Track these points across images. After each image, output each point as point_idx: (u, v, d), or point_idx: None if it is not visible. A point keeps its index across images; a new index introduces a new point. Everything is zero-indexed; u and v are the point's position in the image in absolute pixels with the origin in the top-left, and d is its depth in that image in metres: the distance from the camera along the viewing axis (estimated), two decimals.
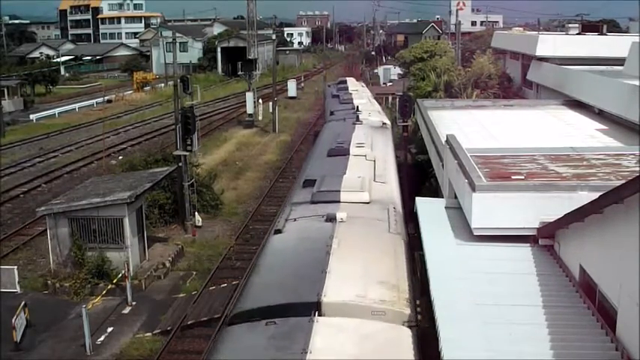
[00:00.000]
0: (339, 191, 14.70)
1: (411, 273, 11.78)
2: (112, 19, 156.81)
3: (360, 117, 26.43)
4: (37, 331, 18.50)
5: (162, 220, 27.01)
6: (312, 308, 9.57)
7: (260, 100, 54.26)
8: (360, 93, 35.98)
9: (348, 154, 19.34)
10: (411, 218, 15.76)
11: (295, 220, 13.75)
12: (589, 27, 38.77)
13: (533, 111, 27.67)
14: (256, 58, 54.79)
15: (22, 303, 18.49)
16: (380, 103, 57.63)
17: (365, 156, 19.18)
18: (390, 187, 16.89)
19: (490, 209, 12.42)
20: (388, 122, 28.22)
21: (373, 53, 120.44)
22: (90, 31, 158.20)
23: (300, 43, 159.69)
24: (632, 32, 48.89)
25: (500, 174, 14.12)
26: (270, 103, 52.59)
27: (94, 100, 67.09)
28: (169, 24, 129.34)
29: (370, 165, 18.40)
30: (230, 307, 15.78)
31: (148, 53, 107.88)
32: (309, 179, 16.46)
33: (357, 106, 28.65)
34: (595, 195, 9.43)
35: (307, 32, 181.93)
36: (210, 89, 73.65)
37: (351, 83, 42.12)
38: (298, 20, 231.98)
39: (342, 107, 30.41)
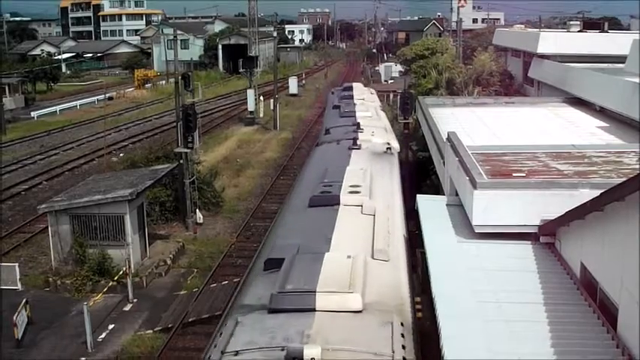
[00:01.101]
0: (314, 293, 9.07)
1: None
2: (113, 17, 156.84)
3: (360, 138, 20.64)
4: (39, 329, 18.52)
5: (163, 218, 27.03)
6: None
7: (261, 98, 54.25)
8: (365, 103, 29.79)
9: (338, 203, 13.56)
10: (411, 216, 15.73)
11: (236, 355, 7.91)
12: (590, 24, 38.75)
13: (535, 108, 27.64)
14: (257, 56, 54.77)
15: (24, 300, 18.51)
16: (381, 101, 58.02)
17: (361, 207, 13.39)
18: (396, 271, 11.06)
19: (491, 206, 12.42)
20: (395, 144, 22.01)
21: (374, 51, 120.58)
22: (91, 28, 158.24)
23: (301, 41, 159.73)
24: (633, 30, 48.81)
25: (501, 171, 14.10)
26: (272, 101, 52.55)
27: (95, 98, 67.06)
28: (170, 21, 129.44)
29: (367, 225, 12.58)
30: None
31: (149, 50, 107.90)
32: (274, 258, 10.77)
33: (359, 123, 23.03)
34: (596, 192, 9.42)
35: (308, 29, 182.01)
36: (211, 87, 73.68)
37: (357, 90, 35.20)
38: (299, 17, 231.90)
39: (342, 123, 24.63)
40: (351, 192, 14.10)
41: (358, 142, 19.75)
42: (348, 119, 24.95)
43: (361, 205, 13.43)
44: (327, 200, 13.87)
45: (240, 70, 58.46)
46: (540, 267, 11.45)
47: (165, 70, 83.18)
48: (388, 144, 20.81)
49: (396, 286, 10.41)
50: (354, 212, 13.19)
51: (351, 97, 31.87)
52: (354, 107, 27.75)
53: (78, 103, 65.76)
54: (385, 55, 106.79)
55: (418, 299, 12.00)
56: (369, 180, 15.26)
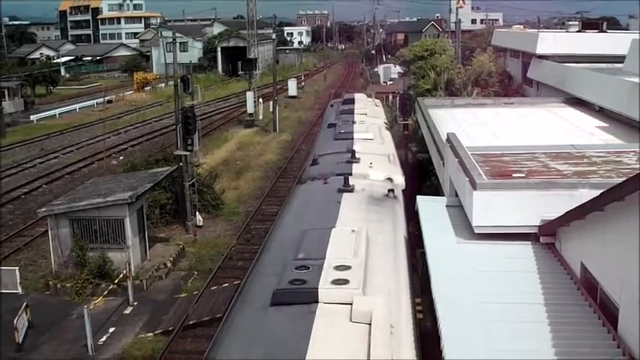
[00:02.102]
0: None
1: None
2: (111, 20, 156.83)
3: (355, 173, 16.66)
4: (39, 332, 18.51)
5: (163, 220, 27.02)
6: None
7: (260, 100, 54.27)
8: (367, 121, 25.10)
9: (315, 301, 8.98)
10: (412, 217, 15.72)
11: None
12: (589, 24, 38.74)
13: (534, 109, 27.66)
14: (256, 58, 54.83)
15: (24, 304, 18.51)
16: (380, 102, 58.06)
17: (350, 308, 8.73)
18: None
19: (491, 207, 12.42)
20: (400, 179, 17.68)
21: (373, 52, 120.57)
22: (90, 31, 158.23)
23: (300, 43, 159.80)
24: (632, 29, 48.86)
25: (500, 172, 14.11)
26: (271, 103, 52.59)
27: (95, 101, 67.10)
28: (169, 24, 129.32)
29: (359, 345, 7.99)
30: None
31: (148, 53, 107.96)
32: None
33: (354, 151, 18.50)
34: (596, 192, 9.42)
35: (307, 31, 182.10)
36: (210, 89, 73.68)
37: (359, 104, 29.77)
38: (298, 19, 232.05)
39: (334, 149, 20.45)
40: (336, 280, 9.38)
41: (351, 183, 15.25)
42: (344, 143, 20.67)
43: (350, 305, 8.72)
44: (299, 296, 9.17)
45: (240, 72, 58.50)
46: (540, 267, 11.44)
47: (164, 73, 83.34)
48: (390, 180, 16.96)
49: None
50: (339, 318, 8.58)
51: (351, 111, 27.50)
52: (352, 127, 23.50)
53: (77, 106, 65.76)
54: (384, 56, 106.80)
55: (418, 300, 11.99)
56: (364, 252, 10.64)
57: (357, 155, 18.28)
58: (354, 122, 24.46)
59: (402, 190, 16.96)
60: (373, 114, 28.05)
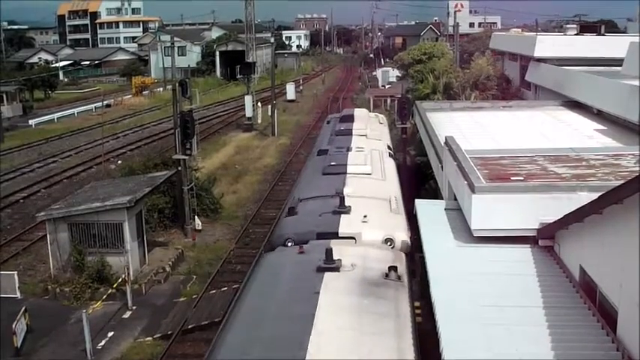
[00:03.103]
0: None
1: None
2: (110, 24, 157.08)
3: (342, 232, 13.51)
4: (38, 337, 18.47)
5: (161, 225, 26.98)
6: None
7: (259, 104, 54.30)
8: (366, 148, 21.14)
9: None
10: (410, 220, 15.71)
11: None
12: (587, 27, 38.83)
13: (532, 112, 27.69)
14: (255, 62, 54.95)
15: (23, 308, 18.46)
16: (378, 106, 58.15)
17: None
18: None
19: (490, 211, 12.43)
20: (403, 238, 13.87)
21: (372, 56, 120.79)
22: (88, 35, 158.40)
23: (298, 46, 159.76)
24: (630, 32, 48.93)
25: (499, 175, 14.12)
26: (269, 107, 52.60)
27: (93, 105, 67.04)
28: (167, 28, 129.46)
29: None
30: None
31: (147, 57, 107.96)
32: None
33: (343, 199, 14.82)
34: (594, 195, 9.45)
35: (306, 35, 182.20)
36: (208, 93, 73.68)
37: (359, 122, 25.82)
38: (296, 23, 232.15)
39: (321, 190, 16.61)
40: None
41: (336, 256, 11.20)
42: (333, 181, 16.94)
43: None
44: None
45: (238, 76, 58.80)
46: (539, 270, 11.45)
47: (162, 77, 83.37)
48: (390, 242, 13.28)
49: None
50: None
51: (349, 132, 23.95)
52: (346, 156, 19.70)
53: (75, 110, 65.73)
54: (382, 59, 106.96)
55: (417, 304, 11.99)
56: None
57: (347, 202, 14.70)
58: (349, 149, 20.72)
59: (408, 253, 13.39)
60: (375, 135, 24.32)
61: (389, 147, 23.77)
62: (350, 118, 27.02)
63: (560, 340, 8.95)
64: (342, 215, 14.33)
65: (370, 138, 23.51)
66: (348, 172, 17.88)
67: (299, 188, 18.66)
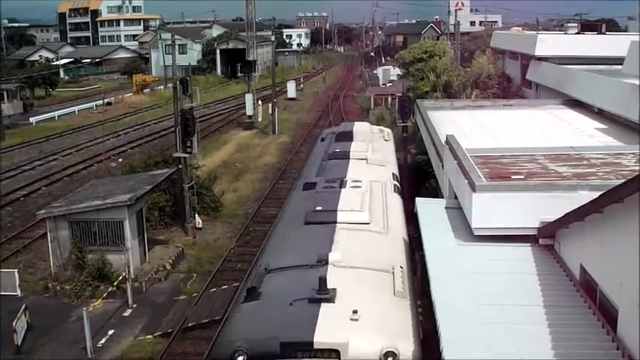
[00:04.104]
0: None
1: None
2: (110, 22, 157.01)
3: (319, 346, 9.39)
4: (38, 335, 18.47)
5: (162, 223, 26.99)
6: None
7: (259, 102, 54.28)
8: (365, 179, 16.96)
9: None
10: (411, 218, 15.71)
11: None
12: (588, 26, 38.77)
13: (533, 111, 27.65)
14: (255, 60, 54.99)
15: (23, 306, 18.48)
16: (379, 104, 58.11)
17: None
18: None
19: (490, 209, 12.42)
20: (410, 349, 9.59)
21: (372, 54, 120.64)
22: (89, 33, 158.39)
23: (299, 45, 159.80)
24: (631, 31, 48.87)
25: (500, 174, 14.11)
26: (270, 105, 52.60)
27: (94, 103, 67.05)
28: (168, 26, 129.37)
29: None
30: None
31: (147, 56, 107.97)
32: None
33: (325, 278, 10.41)
34: (595, 194, 9.44)
35: (306, 33, 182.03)
36: (209, 91, 73.66)
37: (359, 142, 21.74)
38: (297, 21, 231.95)
39: (298, 255, 12.45)
40: None
41: None
42: (317, 236, 13.06)
43: None
44: None
45: (239, 74, 58.73)
46: (540, 269, 11.45)
47: (163, 75, 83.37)
48: (392, 358, 9.31)
49: None
50: None
51: (346, 155, 19.99)
52: (338, 194, 15.31)
53: (76, 108, 65.73)
54: (383, 58, 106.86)
55: (418, 302, 11.99)
56: None
57: (332, 277, 10.60)
58: (343, 184, 16.27)
59: None
60: (378, 160, 19.91)
61: (395, 176, 19.13)
62: (348, 136, 22.62)
63: (560, 339, 8.95)
64: (323, 306, 9.92)
65: (372, 163, 19.34)
66: (338, 220, 13.60)
67: (271, 247, 14.16)
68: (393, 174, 19.19)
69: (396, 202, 16.56)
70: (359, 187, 16.03)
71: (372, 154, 20.29)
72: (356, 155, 19.87)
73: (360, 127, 24.44)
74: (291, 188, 27.00)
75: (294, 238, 13.65)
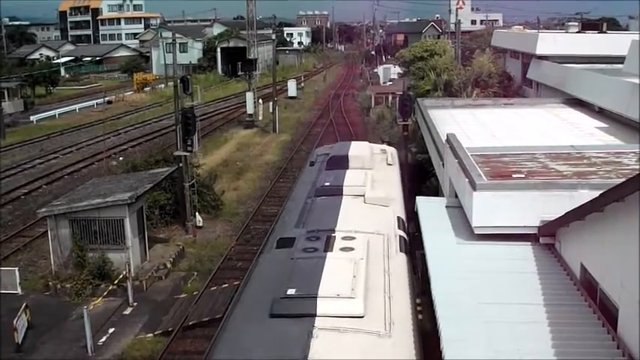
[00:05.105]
0: None
1: None
2: (111, 20, 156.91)
3: None
4: (39, 333, 18.49)
5: (163, 221, 27.02)
6: None
7: (260, 101, 54.29)
8: (363, 228, 12.87)
9: None
10: (411, 217, 15.70)
11: None
12: (589, 25, 38.68)
13: (534, 109, 27.63)
14: (256, 58, 54.87)
15: (24, 304, 18.50)
16: (380, 103, 58.13)
17: None
18: None
19: (491, 208, 12.42)
20: None
21: (373, 53, 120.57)
22: (90, 32, 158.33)
23: (299, 43, 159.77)
24: (632, 30, 48.86)
25: (500, 173, 14.11)
26: (271, 103, 52.61)
27: (95, 101, 67.11)
28: (169, 25, 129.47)
29: None
30: None
31: (148, 54, 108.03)
32: None
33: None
34: (596, 193, 9.43)
35: (307, 32, 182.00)
36: (210, 90, 73.69)
37: (355, 170, 17.54)
38: (298, 20, 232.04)
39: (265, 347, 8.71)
40: None
41: None
42: (284, 343, 8.84)
43: None
44: None
45: (239, 72, 58.60)
46: (540, 268, 11.45)
47: (164, 74, 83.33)
48: None
49: None
50: None
51: (338, 190, 15.67)
52: (323, 262, 10.95)
53: (77, 107, 65.73)
54: (384, 57, 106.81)
55: (418, 301, 12.00)
56: None
57: None
58: (328, 244, 11.78)
59: None
60: (379, 197, 15.38)
61: (401, 221, 14.51)
62: (342, 162, 18.18)
63: (560, 338, 8.95)
64: None
65: (371, 202, 15.12)
66: (318, 312, 9.36)
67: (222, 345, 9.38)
68: (399, 218, 14.55)
69: (402, 270, 11.72)
70: (351, 249, 11.51)
71: (371, 189, 15.83)
72: (351, 191, 15.63)
73: (358, 150, 19.61)
74: (290, 188, 26.64)
75: (252, 338, 9.06)
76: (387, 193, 15.93)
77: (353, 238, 12.15)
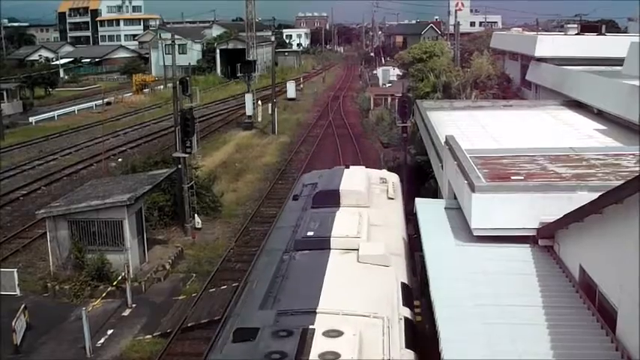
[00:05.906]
0: None
1: None
2: (110, 22, 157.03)
3: None
4: (37, 334, 18.47)
5: (161, 223, 26.98)
6: None
7: (259, 102, 54.30)
8: (348, 328, 8.82)
9: None
10: (410, 219, 15.69)
11: None
12: (588, 27, 38.79)
13: (533, 111, 27.66)
14: (255, 60, 55.05)
15: (22, 306, 18.48)
16: (379, 104, 58.11)
17: None
18: None
19: (490, 210, 12.43)
20: None
21: (372, 54, 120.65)
22: (89, 33, 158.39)
23: (299, 45, 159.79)
24: (630, 32, 48.90)
25: (499, 174, 14.12)
26: (270, 105, 52.61)
27: (94, 103, 67.06)
28: (168, 26, 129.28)
29: None
30: None
31: (147, 55, 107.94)
32: None
33: None
34: (594, 195, 9.44)
35: (306, 34, 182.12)
36: (209, 91, 73.65)
37: (349, 208, 14.40)
38: (297, 22, 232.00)
39: None
40: None
41: None
42: None
43: None
44: None
45: (238, 74, 58.73)
46: (539, 270, 11.45)
47: (163, 75, 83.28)
48: None
49: None
50: None
51: (324, 243, 12.42)
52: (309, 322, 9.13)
53: (76, 108, 65.70)
54: (383, 58, 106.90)
55: (417, 302, 12.00)
56: None
57: None
58: (307, 332, 8.80)
59: None
60: (377, 253, 12.01)
61: (405, 289, 11.32)
62: (332, 199, 14.85)
63: (559, 340, 8.96)
64: None
65: (366, 262, 11.76)
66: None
67: None
68: (404, 286, 11.26)
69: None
70: (337, 355, 8.25)
71: (367, 241, 12.56)
72: (341, 243, 12.27)
73: (352, 180, 15.89)
74: (290, 188, 26.85)
75: None
76: (387, 246, 12.33)
77: (339, 333, 8.73)
